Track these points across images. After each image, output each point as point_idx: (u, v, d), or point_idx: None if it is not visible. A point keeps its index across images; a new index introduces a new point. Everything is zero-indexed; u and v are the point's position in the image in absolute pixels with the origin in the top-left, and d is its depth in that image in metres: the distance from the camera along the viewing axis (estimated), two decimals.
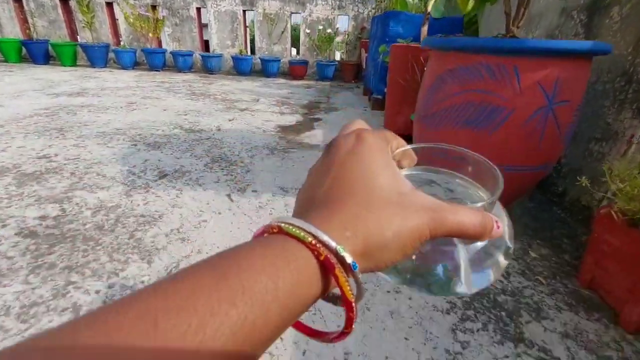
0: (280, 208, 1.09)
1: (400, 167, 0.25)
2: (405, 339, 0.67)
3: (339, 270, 0.17)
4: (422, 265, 0.23)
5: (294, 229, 0.18)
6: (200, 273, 0.16)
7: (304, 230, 0.18)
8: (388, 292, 0.79)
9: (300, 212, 0.21)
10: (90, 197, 1.06)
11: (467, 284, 0.22)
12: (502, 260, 0.23)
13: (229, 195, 1.14)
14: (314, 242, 0.17)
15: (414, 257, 0.22)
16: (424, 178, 0.28)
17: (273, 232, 0.19)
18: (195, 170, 1.29)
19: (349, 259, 0.18)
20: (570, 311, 0.77)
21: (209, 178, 1.24)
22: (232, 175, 1.28)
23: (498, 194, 0.22)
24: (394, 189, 0.21)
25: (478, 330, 0.70)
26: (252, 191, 1.18)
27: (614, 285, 0.75)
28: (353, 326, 0.19)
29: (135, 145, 1.47)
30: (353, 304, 0.18)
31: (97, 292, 0.72)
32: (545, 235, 1.06)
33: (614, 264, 0.75)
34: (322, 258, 0.17)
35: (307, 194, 0.22)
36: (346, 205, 0.20)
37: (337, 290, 0.19)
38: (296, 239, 0.18)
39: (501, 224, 0.22)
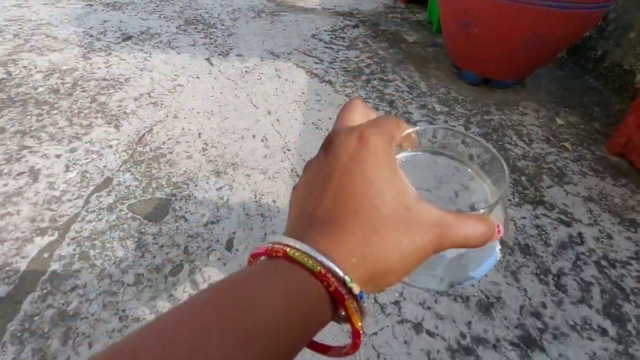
0: (270, 73, 0.92)
1: (401, 148, 0.25)
2: None
3: (349, 302, 0.17)
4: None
5: (301, 256, 0.17)
6: (205, 317, 0.15)
7: (312, 257, 0.17)
8: None
9: (300, 225, 0.20)
10: (40, 59, 0.88)
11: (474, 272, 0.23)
12: (498, 252, 0.23)
13: (208, 59, 0.96)
14: (323, 271, 0.17)
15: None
16: (425, 160, 0.27)
17: (277, 255, 0.18)
18: (166, 32, 1.07)
19: (356, 290, 0.17)
20: (595, 176, 0.69)
21: (183, 41, 1.03)
22: (211, 38, 1.07)
23: (503, 192, 0.22)
24: (400, 204, 0.19)
25: None
26: (237, 55, 0.99)
27: None
28: (358, 349, 0.19)
29: (91, 5, 1.21)
30: (361, 332, 0.18)
31: (58, 156, 0.62)
32: (574, 102, 0.93)
33: None
34: (332, 289, 0.17)
35: (306, 204, 0.21)
36: (352, 226, 0.19)
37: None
38: (304, 267, 0.17)
39: (502, 227, 0.21)
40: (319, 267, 0.17)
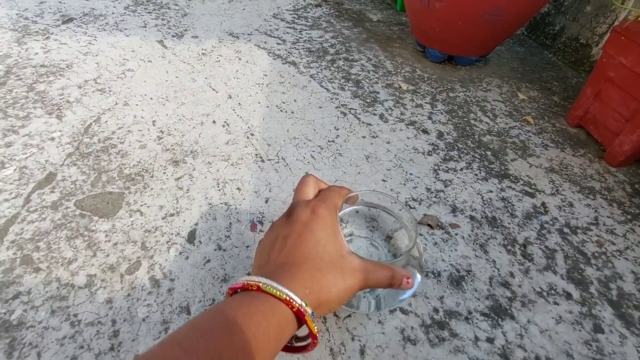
0: (230, 55, 0.87)
1: (348, 204, 0.39)
2: (383, 180, 0.59)
3: (308, 317, 0.26)
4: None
5: (271, 289, 0.26)
6: (210, 335, 0.23)
7: (279, 289, 0.26)
8: (364, 137, 0.68)
9: (267, 268, 0.30)
10: None
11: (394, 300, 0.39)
12: (419, 278, 0.37)
13: (161, 42, 0.89)
14: (288, 298, 0.26)
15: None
16: (364, 212, 0.43)
17: (252, 288, 0.27)
18: (113, 13, 0.98)
19: (309, 311, 0.27)
20: (556, 148, 0.71)
21: (132, 22, 0.95)
22: (163, 19, 1.00)
23: (407, 255, 0.35)
24: (337, 254, 0.30)
25: (462, 169, 0.63)
26: (192, 37, 0.93)
27: (609, 117, 0.68)
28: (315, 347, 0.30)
29: None
30: (317, 336, 0.28)
31: None
32: (534, 77, 0.95)
33: (616, 92, 0.66)
34: (295, 310, 0.26)
35: (271, 254, 0.31)
36: (303, 268, 0.28)
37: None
38: (274, 296, 0.26)
39: (411, 279, 0.33)
40: (284, 296, 0.26)
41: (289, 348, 0.30)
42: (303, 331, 0.29)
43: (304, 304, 0.26)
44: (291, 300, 0.26)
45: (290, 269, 0.28)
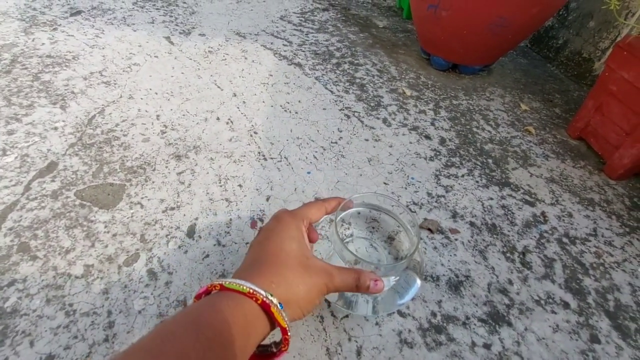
0: (236, 54, 0.87)
1: (343, 210, 0.40)
2: (385, 183, 0.59)
3: (274, 308, 0.26)
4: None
5: (234, 285, 0.26)
6: (180, 337, 0.23)
7: (241, 285, 0.26)
8: (366, 140, 0.68)
9: (237, 273, 0.30)
10: None
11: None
12: (419, 282, 0.39)
13: (168, 38, 0.89)
14: (251, 291, 0.26)
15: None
16: (365, 214, 0.43)
17: (215, 289, 0.27)
18: (121, 8, 0.99)
19: (275, 301, 0.27)
20: (557, 159, 0.71)
21: (140, 18, 0.96)
22: (171, 16, 1.00)
23: (409, 259, 0.35)
24: (302, 254, 0.31)
25: (463, 175, 0.63)
26: (200, 35, 0.93)
27: (609, 130, 0.69)
28: (289, 345, 0.28)
29: None
30: (287, 329, 0.27)
31: None
32: (536, 89, 0.96)
33: (617, 106, 0.67)
34: (259, 302, 0.26)
35: (247, 258, 0.32)
36: (270, 265, 0.30)
37: (267, 341, 0.30)
38: (238, 292, 0.26)
39: (380, 281, 0.33)
40: (247, 289, 0.26)
41: (262, 357, 0.30)
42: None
43: (269, 295, 0.26)
44: (255, 293, 0.26)
45: (257, 267, 0.30)
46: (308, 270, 0.30)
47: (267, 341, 0.30)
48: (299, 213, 0.35)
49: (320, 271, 0.31)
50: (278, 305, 0.27)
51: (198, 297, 0.28)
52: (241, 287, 0.26)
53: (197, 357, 0.22)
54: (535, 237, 0.54)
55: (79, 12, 0.94)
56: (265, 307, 0.26)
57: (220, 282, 0.27)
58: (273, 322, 0.28)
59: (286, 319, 0.27)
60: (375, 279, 0.32)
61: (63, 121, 0.60)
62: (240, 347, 0.25)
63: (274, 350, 0.30)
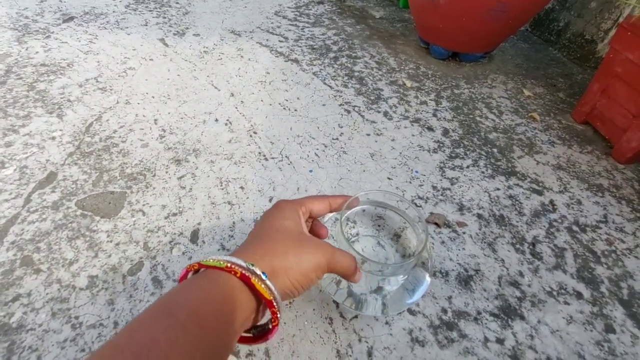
0: (232, 53, 0.86)
1: (348, 209, 0.39)
2: (388, 178, 0.58)
3: (254, 280, 0.25)
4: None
5: (211, 261, 0.25)
6: (154, 317, 0.22)
7: (219, 260, 0.25)
8: (368, 134, 0.67)
9: (232, 255, 0.28)
10: None
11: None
12: (428, 280, 0.37)
13: (162, 40, 0.88)
14: (229, 265, 0.25)
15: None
16: (371, 211, 0.42)
17: (194, 268, 0.26)
18: (114, 12, 0.98)
19: (258, 271, 0.25)
20: (563, 145, 0.70)
21: (133, 21, 0.95)
22: (165, 17, 0.99)
23: (418, 257, 0.35)
24: (296, 230, 0.31)
25: (468, 166, 0.62)
26: (194, 35, 0.92)
27: (616, 113, 0.67)
28: (278, 318, 0.26)
29: None
30: (272, 302, 0.25)
31: None
32: (539, 74, 0.94)
33: (623, 88, 0.65)
34: (238, 275, 0.25)
35: (240, 246, 0.31)
36: (259, 241, 0.29)
37: (265, 320, 0.29)
38: (215, 268, 0.25)
39: (360, 274, 0.33)
40: (224, 264, 0.25)
41: (253, 338, 0.29)
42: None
43: (250, 266, 0.25)
44: (232, 267, 0.25)
45: (245, 245, 0.29)
46: (302, 244, 0.29)
47: (264, 320, 0.29)
48: (298, 200, 0.35)
49: (318, 246, 0.30)
50: (261, 275, 0.25)
51: (180, 280, 0.27)
52: (218, 262, 0.25)
53: (168, 341, 0.20)
54: (544, 226, 0.52)
55: (71, 18, 0.92)
56: (246, 280, 0.25)
57: (198, 261, 0.26)
58: (258, 298, 0.26)
59: (274, 289, 0.26)
60: (359, 271, 0.33)
61: (60, 130, 0.60)
62: (224, 323, 0.23)
63: (270, 327, 0.28)
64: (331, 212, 0.37)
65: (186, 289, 0.24)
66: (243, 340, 0.29)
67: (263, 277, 0.25)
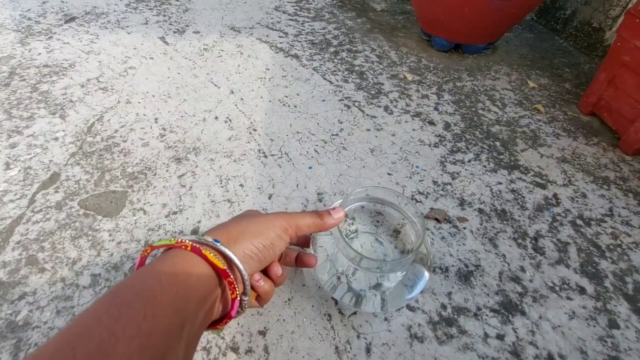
0: (231, 50, 0.86)
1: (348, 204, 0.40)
2: (388, 174, 0.57)
3: (205, 251, 0.25)
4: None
5: (161, 241, 0.26)
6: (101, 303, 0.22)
7: (167, 238, 0.29)
8: (368, 130, 0.66)
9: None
10: None
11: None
12: (427, 276, 0.37)
13: (162, 38, 0.88)
14: (179, 240, 0.26)
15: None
16: (370, 208, 0.43)
17: (147, 252, 0.27)
18: (114, 11, 0.98)
19: (209, 239, 0.26)
20: (568, 137, 0.69)
21: (134, 20, 0.95)
22: (165, 15, 0.99)
23: (415, 253, 0.35)
24: (261, 214, 0.33)
25: (470, 160, 0.61)
26: (194, 32, 0.92)
27: (624, 103, 0.66)
28: (235, 291, 0.27)
29: None
30: (226, 271, 0.26)
31: None
32: (544, 64, 0.92)
33: (631, 77, 0.64)
34: (189, 249, 0.25)
35: None
36: (220, 226, 0.30)
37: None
38: (166, 246, 0.26)
39: (338, 209, 0.35)
40: (174, 241, 0.26)
41: (220, 320, 0.28)
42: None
43: (201, 237, 0.26)
44: (183, 241, 0.25)
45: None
46: (262, 215, 0.32)
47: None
48: (282, 212, 0.34)
49: (277, 214, 0.32)
50: (213, 242, 0.26)
51: (137, 267, 0.28)
52: (168, 240, 0.26)
53: (110, 318, 0.20)
54: (547, 220, 0.52)
55: (73, 19, 0.93)
56: (198, 252, 0.25)
57: (150, 244, 0.27)
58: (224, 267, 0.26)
59: (229, 253, 0.26)
60: (332, 209, 0.34)
61: (63, 131, 0.60)
62: (178, 296, 0.23)
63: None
64: (322, 230, 0.35)
65: (135, 272, 0.24)
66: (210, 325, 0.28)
67: (215, 243, 0.26)
